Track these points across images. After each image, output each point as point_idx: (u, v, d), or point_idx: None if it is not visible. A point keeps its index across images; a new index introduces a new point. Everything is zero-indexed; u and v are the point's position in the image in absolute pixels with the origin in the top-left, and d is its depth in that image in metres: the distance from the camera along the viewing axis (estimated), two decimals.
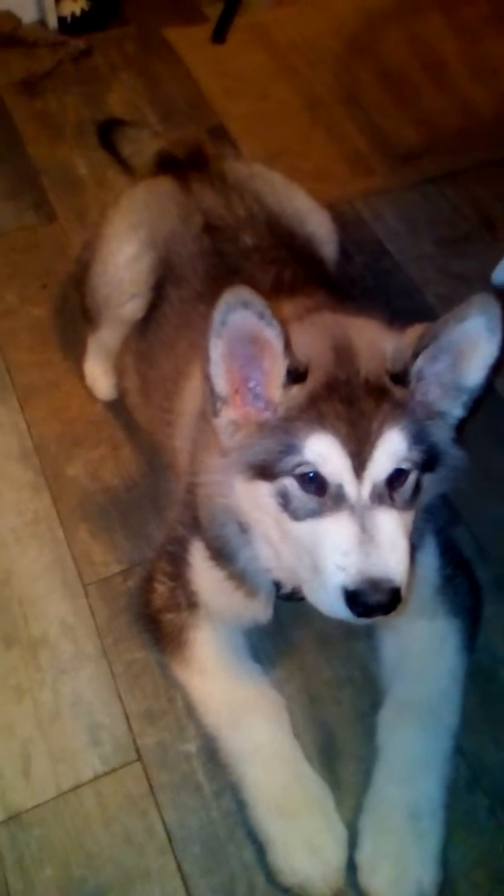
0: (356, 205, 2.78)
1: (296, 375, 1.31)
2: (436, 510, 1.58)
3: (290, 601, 1.60)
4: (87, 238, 2.16)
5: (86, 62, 3.21)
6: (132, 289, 2.00)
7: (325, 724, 1.73)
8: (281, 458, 1.30)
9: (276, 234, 1.98)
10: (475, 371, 1.35)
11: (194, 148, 2.22)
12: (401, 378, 1.32)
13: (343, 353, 1.34)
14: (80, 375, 2.27)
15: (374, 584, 1.24)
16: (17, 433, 2.18)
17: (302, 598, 1.42)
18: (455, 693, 1.68)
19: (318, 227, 2.15)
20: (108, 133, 2.74)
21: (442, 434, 1.37)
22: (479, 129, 3.04)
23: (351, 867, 1.53)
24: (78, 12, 3.27)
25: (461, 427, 1.41)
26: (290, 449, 1.30)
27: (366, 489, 1.28)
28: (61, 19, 3.28)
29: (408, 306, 2.49)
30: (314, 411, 1.29)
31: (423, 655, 1.71)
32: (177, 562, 1.72)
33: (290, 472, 1.30)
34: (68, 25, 3.29)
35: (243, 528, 1.51)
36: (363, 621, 1.29)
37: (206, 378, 1.35)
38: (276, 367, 1.31)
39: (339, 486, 1.28)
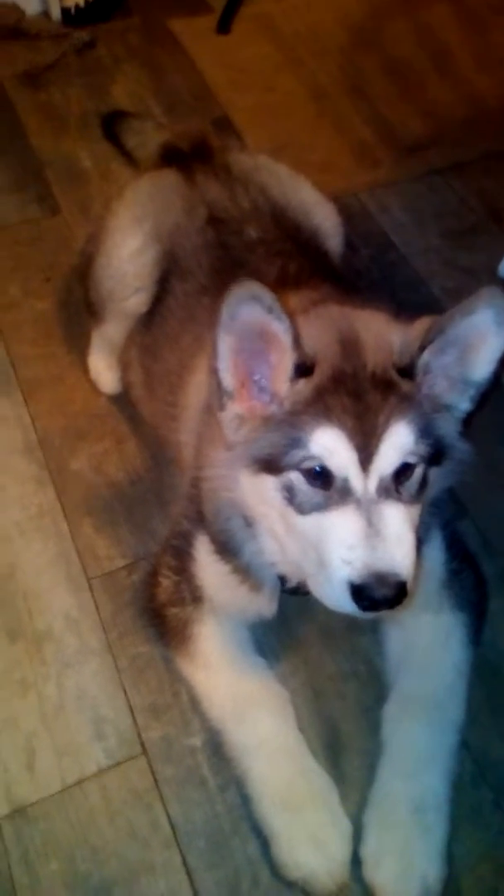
0: (362, 197, 2.76)
1: (303, 369, 1.31)
2: (442, 504, 1.57)
3: (294, 595, 1.60)
4: (91, 231, 2.16)
5: (89, 54, 3.19)
6: (136, 282, 1.99)
7: (329, 718, 1.73)
8: (286, 452, 1.30)
9: (281, 226, 1.97)
10: (483, 364, 1.35)
11: (199, 140, 2.21)
12: (407, 371, 1.31)
13: (349, 346, 1.33)
14: (84, 369, 2.26)
15: (381, 578, 1.23)
16: (21, 427, 2.18)
17: (307, 593, 1.41)
18: (460, 687, 1.67)
19: (324, 219, 2.13)
20: (112, 125, 2.73)
21: (448, 427, 1.37)
22: (486, 119, 3.01)
23: (356, 861, 1.53)
24: (82, 3, 3.25)
25: (468, 420, 1.40)
26: (296, 442, 1.29)
27: (372, 483, 1.27)
28: (65, 11, 3.26)
29: (413, 299, 2.48)
30: (320, 405, 1.28)
31: (428, 650, 1.70)
32: (181, 556, 1.72)
33: (295, 466, 1.30)
34: (72, 17, 3.27)
35: (248, 522, 1.50)
36: (369, 615, 1.28)
37: (213, 372, 1.35)
38: (283, 361, 1.30)
39: (345, 480, 1.27)
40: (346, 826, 1.56)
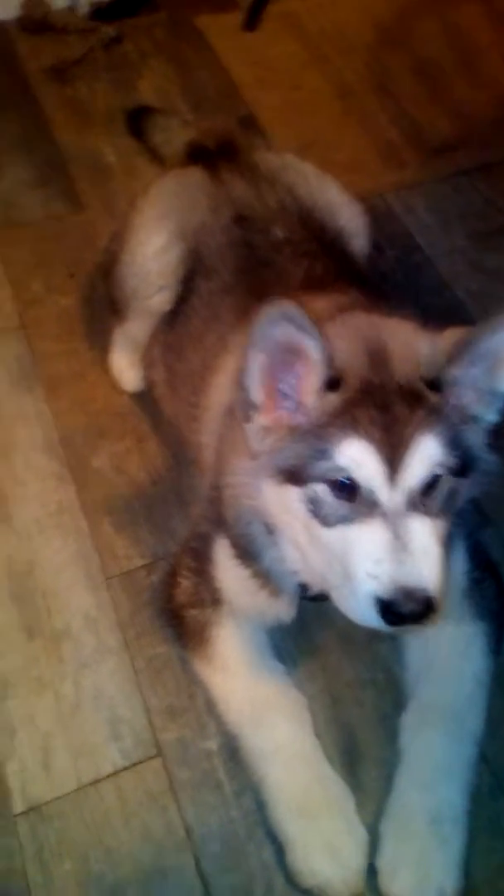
0: (387, 197, 2.73)
1: (331, 382, 1.29)
2: (465, 513, 1.55)
3: (315, 602, 1.58)
4: (116, 229, 2.14)
5: (116, 49, 3.18)
6: (160, 280, 1.98)
7: (347, 725, 1.71)
8: (312, 463, 1.28)
9: (307, 226, 1.96)
10: None
11: (225, 138, 2.20)
12: (435, 384, 1.29)
13: (377, 357, 1.31)
14: (106, 366, 2.26)
15: (408, 593, 1.22)
16: (42, 423, 2.17)
17: (327, 598, 1.40)
18: (480, 698, 1.65)
19: (350, 220, 2.11)
20: (137, 121, 2.73)
21: (476, 439, 1.34)
22: None
23: (371, 871, 1.51)
24: None
25: (495, 432, 1.37)
26: (322, 454, 1.27)
27: (399, 495, 1.25)
28: (92, 6, 3.25)
29: (438, 302, 2.45)
30: (348, 416, 1.26)
31: (448, 659, 1.68)
32: (200, 558, 1.71)
33: (321, 478, 1.28)
34: (99, 12, 3.26)
35: (269, 529, 1.49)
36: (395, 630, 1.26)
37: (242, 387, 1.33)
38: (312, 375, 1.29)
39: (372, 493, 1.26)
40: (361, 834, 1.54)
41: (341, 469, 1.26)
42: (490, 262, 2.57)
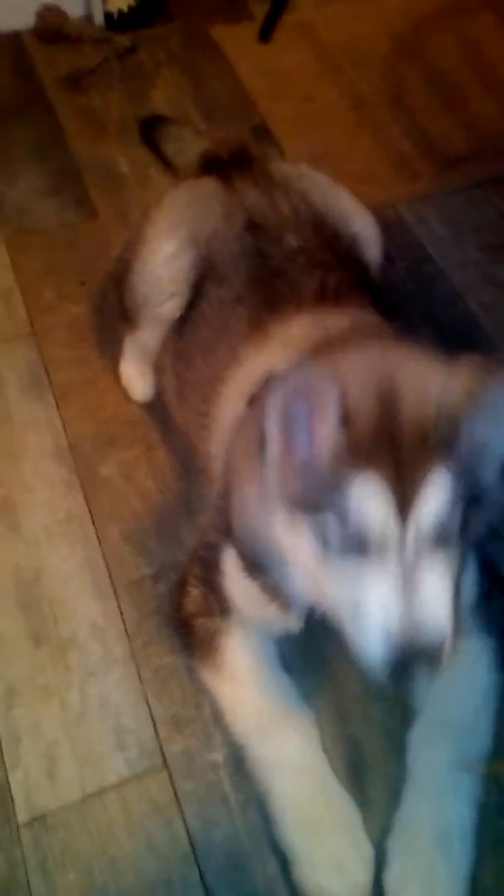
0: (399, 208, 2.73)
1: (343, 420, 1.25)
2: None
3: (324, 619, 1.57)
4: (129, 238, 2.15)
5: (131, 59, 3.19)
6: (171, 287, 1.98)
7: (353, 739, 1.70)
8: (323, 498, 1.25)
9: (321, 234, 1.94)
10: None
11: (238, 148, 2.20)
12: (448, 424, 1.25)
13: (388, 397, 1.26)
14: (117, 374, 2.26)
15: (416, 641, 1.21)
16: (52, 430, 2.18)
17: None
18: (487, 713, 1.64)
19: (363, 229, 2.10)
20: (150, 130, 2.73)
21: (488, 469, 1.31)
22: None
23: (377, 886, 1.50)
24: (125, 9, 3.26)
25: None
26: (334, 489, 1.24)
27: (411, 533, 1.23)
28: (108, 15, 3.27)
29: (450, 314, 2.44)
30: (359, 455, 1.23)
31: (455, 674, 1.66)
32: (209, 567, 1.70)
33: (331, 511, 1.25)
34: (114, 22, 3.28)
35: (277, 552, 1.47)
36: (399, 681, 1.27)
37: (260, 445, 1.32)
38: (326, 422, 1.25)
39: (383, 530, 1.22)
40: (367, 850, 1.53)
41: (351, 507, 1.23)
42: (502, 274, 2.56)
